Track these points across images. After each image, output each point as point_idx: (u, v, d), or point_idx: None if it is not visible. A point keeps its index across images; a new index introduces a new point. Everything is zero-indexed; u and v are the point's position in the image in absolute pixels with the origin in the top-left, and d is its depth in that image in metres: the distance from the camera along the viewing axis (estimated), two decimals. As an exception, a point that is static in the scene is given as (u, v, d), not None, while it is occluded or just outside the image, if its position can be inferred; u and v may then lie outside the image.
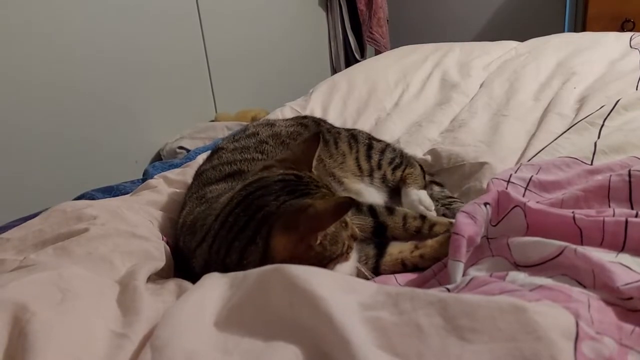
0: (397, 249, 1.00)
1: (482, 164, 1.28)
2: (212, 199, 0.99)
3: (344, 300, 0.61)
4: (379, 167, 1.33)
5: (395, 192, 1.34)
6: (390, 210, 1.10)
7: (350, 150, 1.34)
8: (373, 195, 1.28)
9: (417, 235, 1.06)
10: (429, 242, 0.99)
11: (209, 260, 0.86)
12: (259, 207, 0.83)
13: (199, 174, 1.22)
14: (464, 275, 0.78)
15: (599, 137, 1.17)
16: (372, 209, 1.09)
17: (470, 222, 0.81)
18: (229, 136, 1.40)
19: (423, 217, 1.08)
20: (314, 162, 1.05)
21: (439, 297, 0.58)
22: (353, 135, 1.40)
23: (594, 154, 1.05)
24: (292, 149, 1.00)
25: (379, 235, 1.06)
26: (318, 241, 0.80)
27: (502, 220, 0.86)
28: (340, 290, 0.64)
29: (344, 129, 1.46)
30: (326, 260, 0.83)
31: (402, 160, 1.36)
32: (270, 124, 1.39)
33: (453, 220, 1.06)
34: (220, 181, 1.10)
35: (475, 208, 0.84)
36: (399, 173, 1.33)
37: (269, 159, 1.17)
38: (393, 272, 0.97)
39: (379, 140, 1.45)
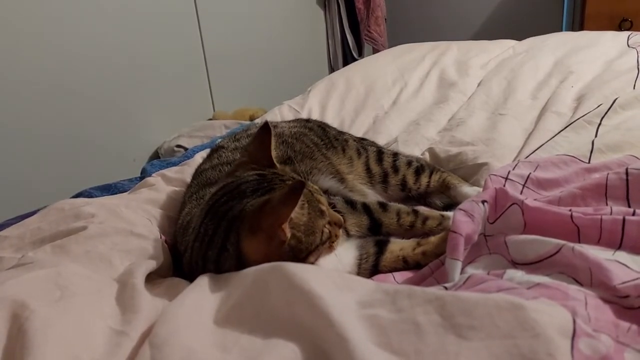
0: (398, 247, 1.00)
1: (480, 165, 1.28)
2: None
3: (342, 299, 0.61)
4: (395, 169, 1.29)
5: (414, 200, 1.30)
6: (383, 206, 1.09)
7: (358, 156, 1.32)
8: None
9: (412, 230, 1.06)
10: (432, 239, 0.99)
11: (191, 270, 0.85)
12: (224, 213, 0.81)
13: (198, 173, 1.22)
14: (461, 273, 0.78)
15: (596, 136, 1.18)
16: (366, 207, 1.08)
17: (468, 220, 0.82)
18: (230, 134, 1.39)
19: (416, 212, 1.08)
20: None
21: (436, 295, 0.58)
22: (361, 144, 1.38)
23: (591, 152, 1.05)
24: (247, 149, 0.96)
25: (375, 232, 1.06)
26: (288, 234, 0.78)
27: (500, 217, 0.86)
28: (337, 288, 0.64)
29: (351, 136, 1.43)
30: (304, 252, 0.81)
31: (421, 163, 1.32)
32: (274, 125, 1.36)
33: (444, 213, 1.07)
34: (216, 184, 1.10)
35: (472, 206, 0.84)
36: (424, 179, 1.28)
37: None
38: (394, 270, 0.97)
39: (389, 150, 1.42)
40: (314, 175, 1.17)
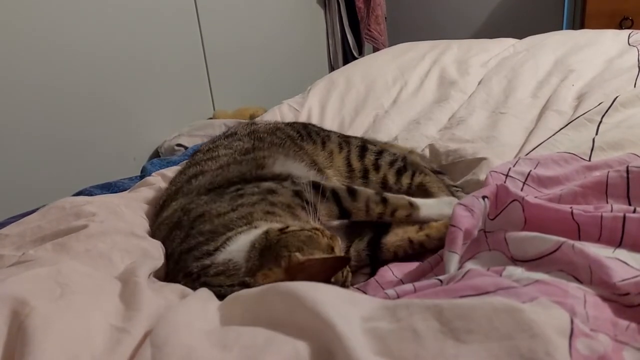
0: (401, 229, 1.01)
1: (479, 160, 1.28)
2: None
3: (346, 310, 0.61)
4: (377, 167, 1.25)
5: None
6: (352, 194, 1.06)
7: (339, 150, 1.29)
8: None
9: (381, 220, 1.05)
10: (433, 224, 1.01)
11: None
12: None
13: (172, 179, 1.24)
14: (460, 268, 0.78)
15: (596, 134, 1.18)
16: (335, 194, 1.05)
17: (468, 215, 0.82)
18: (211, 139, 1.40)
19: (385, 201, 1.05)
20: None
21: (434, 302, 0.58)
22: (345, 139, 1.35)
23: (591, 150, 1.05)
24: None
25: (346, 218, 1.06)
26: None
27: (500, 214, 0.86)
28: (341, 302, 0.63)
29: (337, 134, 1.41)
30: None
31: (405, 164, 1.26)
32: (252, 124, 1.38)
33: (414, 202, 1.06)
34: (178, 194, 1.11)
35: (473, 201, 0.84)
36: (406, 180, 1.22)
37: (236, 154, 1.18)
38: (398, 250, 0.99)
39: (375, 144, 1.37)
40: (276, 160, 1.16)
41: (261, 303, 0.67)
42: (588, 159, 1.04)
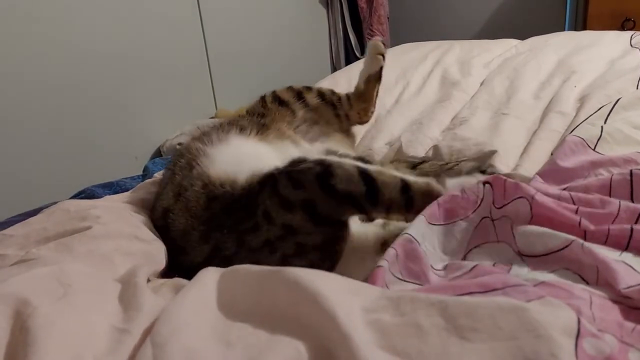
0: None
1: (487, 154, 1.28)
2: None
3: (348, 301, 0.61)
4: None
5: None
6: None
7: None
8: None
9: None
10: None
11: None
12: None
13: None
14: (465, 257, 0.78)
15: (601, 133, 1.17)
16: None
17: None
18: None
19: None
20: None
21: (439, 299, 0.58)
22: None
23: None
24: None
25: None
26: None
27: (508, 204, 0.85)
28: (343, 291, 0.63)
29: None
30: None
31: None
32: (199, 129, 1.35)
33: None
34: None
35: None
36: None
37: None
38: None
39: None
40: None
41: (264, 288, 0.66)
42: (593, 147, 1.04)
